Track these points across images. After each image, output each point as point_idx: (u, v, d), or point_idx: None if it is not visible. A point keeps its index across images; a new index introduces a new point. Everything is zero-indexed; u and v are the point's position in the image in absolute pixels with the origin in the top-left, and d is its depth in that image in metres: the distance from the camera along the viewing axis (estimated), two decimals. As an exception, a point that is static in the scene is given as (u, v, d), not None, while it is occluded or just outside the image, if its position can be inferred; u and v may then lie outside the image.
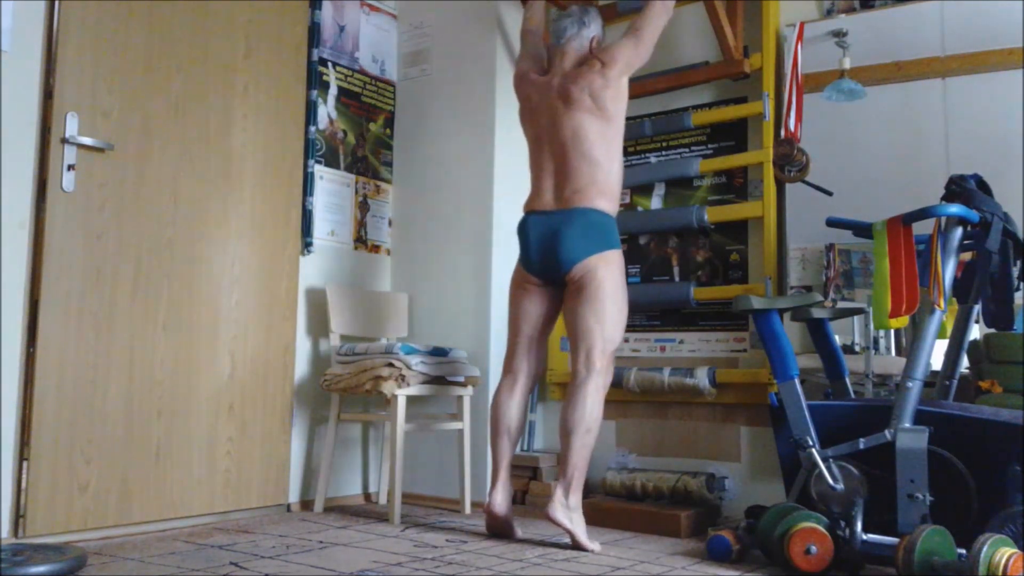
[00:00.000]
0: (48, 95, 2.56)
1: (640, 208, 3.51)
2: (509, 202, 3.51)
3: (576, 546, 2.54)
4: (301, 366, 3.30)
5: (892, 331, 2.92)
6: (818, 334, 2.72)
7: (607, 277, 2.63)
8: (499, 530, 2.73)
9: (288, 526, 2.87)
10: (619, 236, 2.74)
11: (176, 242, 2.87)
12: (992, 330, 2.52)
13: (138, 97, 2.78)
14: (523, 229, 2.78)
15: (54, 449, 2.50)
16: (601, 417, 2.61)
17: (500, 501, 2.70)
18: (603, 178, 2.69)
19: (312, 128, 3.36)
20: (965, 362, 2.62)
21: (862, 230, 2.59)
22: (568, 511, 2.53)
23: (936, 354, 2.45)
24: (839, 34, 3.06)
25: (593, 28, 2.85)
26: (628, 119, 2.87)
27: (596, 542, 2.57)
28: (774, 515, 2.33)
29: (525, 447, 3.45)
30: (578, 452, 2.56)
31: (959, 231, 2.33)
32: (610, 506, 3.04)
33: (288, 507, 3.21)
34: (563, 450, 2.59)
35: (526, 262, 2.77)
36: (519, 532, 2.75)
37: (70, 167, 2.58)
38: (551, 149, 2.77)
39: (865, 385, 2.86)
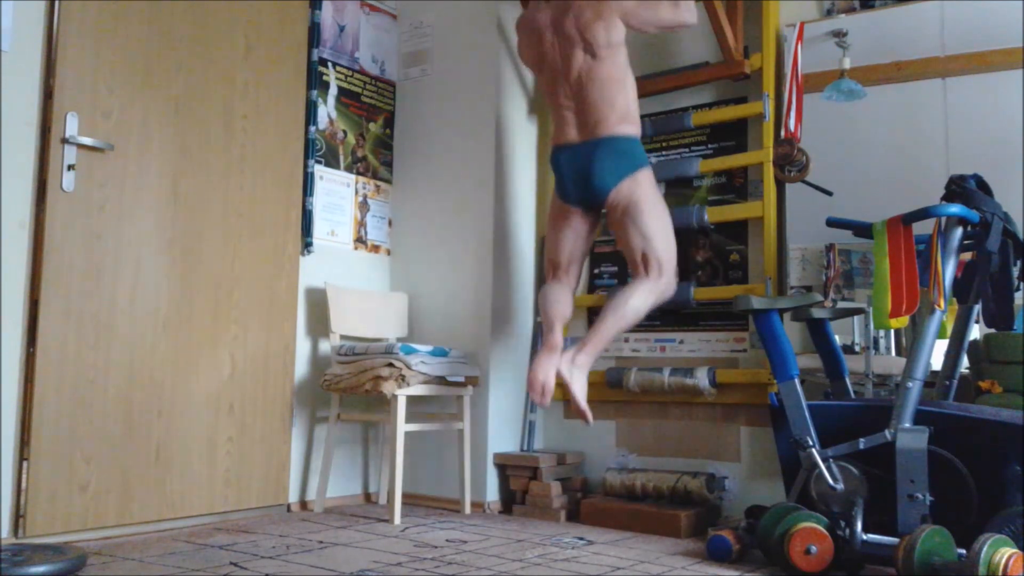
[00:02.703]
0: (48, 95, 2.56)
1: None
2: (509, 202, 3.51)
3: (573, 407, 2.64)
4: (301, 366, 3.30)
5: (892, 331, 2.92)
6: (818, 334, 2.72)
7: (642, 196, 2.76)
8: (538, 395, 2.66)
9: (288, 526, 2.87)
10: (645, 153, 2.86)
11: (176, 242, 2.87)
12: (992, 330, 2.52)
13: (138, 97, 2.78)
14: (556, 163, 2.91)
15: (54, 449, 2.51)
16: (641, 315, 2.73)
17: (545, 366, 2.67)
18: (620, 103, 2.80)
19: (312, 128, 3.36)
20: (965, 362, 2.62)
21: (862, 230, 2.59)
22: (572, 367, 2.64)
23: (936, 354, 2.45)
24: (839, 34, 3.06)
25: None
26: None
27: (590, 412, 2.64)
28: (774, 515, 2.33)
29: (525, 447, 3.45)
30: (605, 327, 2.68)
31: (959, 231, 2.33)
32: (610, 506, 3.04)
33: (288, 507, 3.21)
34: (595, 323, 2.72)
35: (563, 194, 2.89)
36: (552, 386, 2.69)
37: (70, 167, 2.58)
38: (566, 83, 2.87)
39: (865, 385, 2.86)
